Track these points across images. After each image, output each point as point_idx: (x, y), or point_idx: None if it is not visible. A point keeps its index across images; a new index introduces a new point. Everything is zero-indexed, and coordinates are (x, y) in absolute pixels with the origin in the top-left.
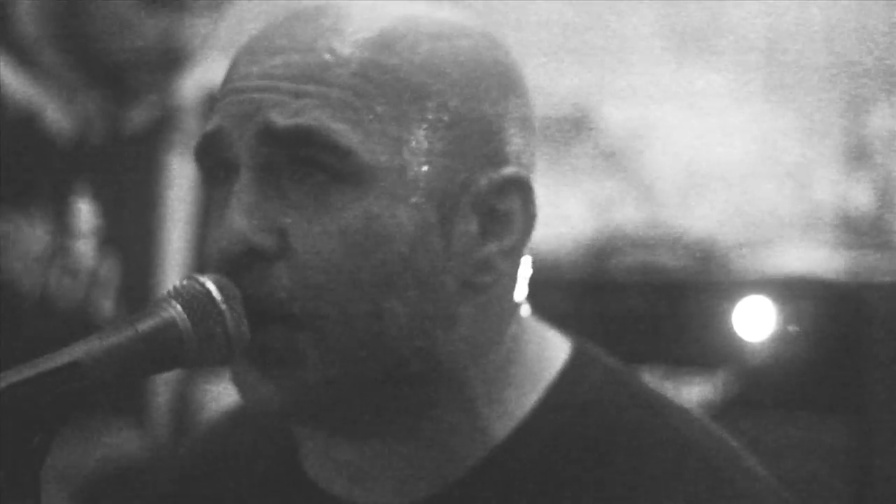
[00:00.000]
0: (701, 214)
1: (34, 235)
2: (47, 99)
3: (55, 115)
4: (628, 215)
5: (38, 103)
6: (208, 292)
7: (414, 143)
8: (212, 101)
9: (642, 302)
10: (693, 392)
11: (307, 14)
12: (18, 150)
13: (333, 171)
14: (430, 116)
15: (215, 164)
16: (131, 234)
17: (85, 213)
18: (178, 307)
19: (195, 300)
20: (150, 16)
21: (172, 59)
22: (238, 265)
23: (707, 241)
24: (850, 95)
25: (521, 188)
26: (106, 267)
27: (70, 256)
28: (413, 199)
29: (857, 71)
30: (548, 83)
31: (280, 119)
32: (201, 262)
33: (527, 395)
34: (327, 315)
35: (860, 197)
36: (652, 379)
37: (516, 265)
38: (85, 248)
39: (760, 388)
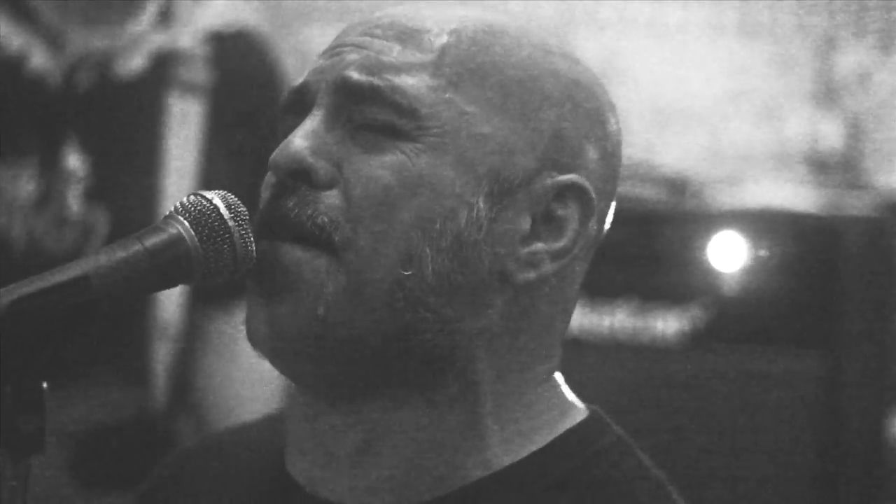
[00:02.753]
0: (673, 149)
1: (20, 185)
2: (34, 43)
3: (42, 60)
4: None
5: (25, 48)
6: (216, 209)
7: (478, 120)
8: (215, 46)
9: (616, 233)
10: (668, 325)
11: (432, 2)
12: (4, 97)
13: (395, 130)
14: (508, 106)
15: (294, 119)
16: (123, 181)
17: (73, 161)
18: (186, 223)
19: (203, 216)
20: None
21: None
22: (287, 184)
23: (679, 175)
24: (820, 32)
25: (582, 198)
26: (94, 215)
27: (58, 205)
28: (465, 170)
29: (828, 7)
30: (524, 13)
31: (355, 74)
32: None
33: (537, 441)
34: (361, 247)
35: (830, 134)
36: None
37: (562, 281)
38: (73, 196)
39: (734, 320)
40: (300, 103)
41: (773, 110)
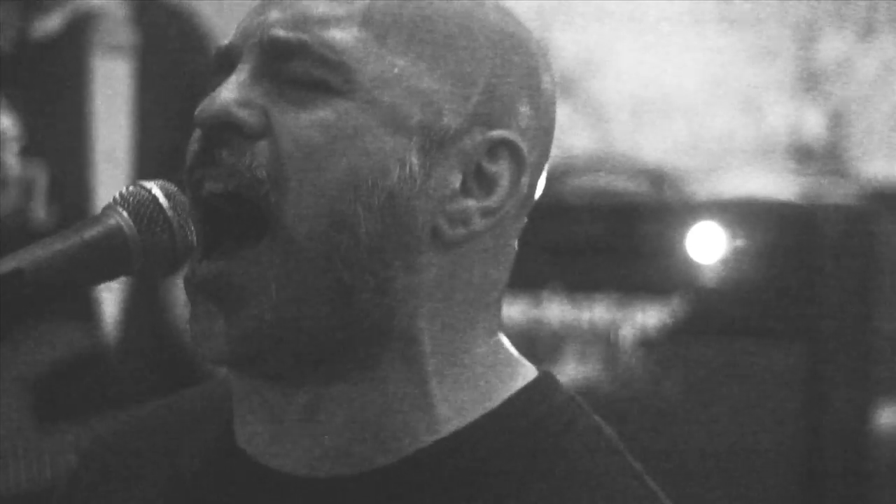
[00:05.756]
0: (653, 140)
1: None
2: None
3: None
4: (580, 141)
5: None
6: (155, 198)
7: (408, 74)
8: (137, 6)
9: (596, 226)
10: (648, 317)
11: None
12: None
13: (323, 85)
14: (439, 60)
15: (222, 79)
16: (56, 136)
17: (4, 122)
18: (124, 213)
19: (141, 206)
20: None
21: None
22: (217, 137)
23: (659, 167)
24: (801, 21)
25: (514, 153)
26: (32, 171)
27: None
28: (396, 125)
29: None
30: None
31: (281, 32)
32: (142, 159)
33: (487, 402)
34: (292, 214)
35: (812, 123)
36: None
37: (496, 237)
38: (9, 157)
39: (714, 312)
40: (227, 64)
41: (754, 100)
